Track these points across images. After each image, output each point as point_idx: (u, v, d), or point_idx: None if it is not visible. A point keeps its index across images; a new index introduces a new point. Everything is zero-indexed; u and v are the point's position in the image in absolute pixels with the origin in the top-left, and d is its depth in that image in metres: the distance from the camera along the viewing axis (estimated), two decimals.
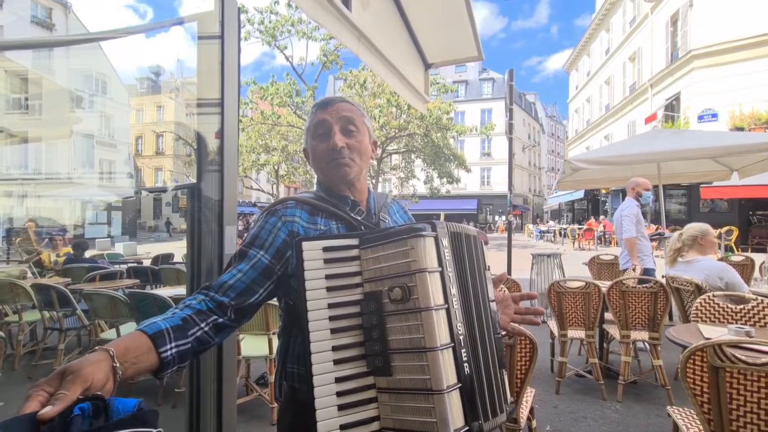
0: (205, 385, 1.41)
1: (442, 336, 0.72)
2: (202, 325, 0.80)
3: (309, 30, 14.13)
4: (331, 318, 0.77)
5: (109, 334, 3.48)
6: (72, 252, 5.88)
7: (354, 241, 0.82)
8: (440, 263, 0.76)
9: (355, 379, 0.75)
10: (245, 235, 0.97)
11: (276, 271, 0.91)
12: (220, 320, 0.83)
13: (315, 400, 0.72)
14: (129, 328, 3.32)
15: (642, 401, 3.02)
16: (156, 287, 5.19)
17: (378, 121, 15.36)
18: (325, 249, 0.80)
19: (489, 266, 0.95)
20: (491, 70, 39.82)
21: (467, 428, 0.71)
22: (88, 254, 6.08)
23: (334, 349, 0.76)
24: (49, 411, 0.51)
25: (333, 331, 0.76)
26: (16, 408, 0.52)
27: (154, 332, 0.72)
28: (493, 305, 0.92)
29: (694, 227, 3.06)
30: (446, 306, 0.75)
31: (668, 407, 1.94)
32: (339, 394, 0.73)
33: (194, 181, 1.43)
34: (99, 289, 3.66)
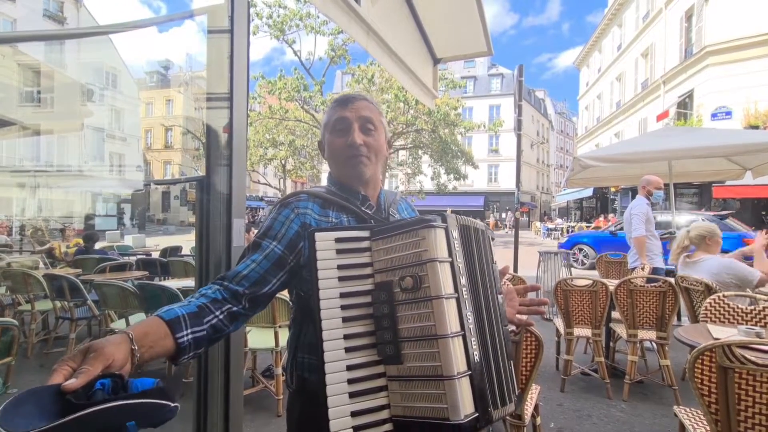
0: (213, 376, 1.44)
1: (453, 324, 0.74)
2: (217, 313, 0.82)
3: (317, 24, 14.08)
4: (343, 307, 0.79)
5: (119, 324, 3.53)
6: (83, 243, 5.97)
7: (365, 233, 0.84)
8: (450, 254, 0.77)
9: (366, 367, 0.77)
10: (252, 227, 0.97)
11: (289, 262, 0.93)
12: (235, 309, 0.85)
13: (327, 387, 0.73)
14: (138, 318, 3.37)
15: (648, 401, 3.01)
16: (164, 279, 5.26)
17: (386, 117, 15.27)
18: (338, 240, 0.81)
19: (495, 261, 0.97)
20: (500, 66, 39.38)
21: (477, 414, 0.72)
22: (98, 246, 6.17)
23: (346, 337, 0.77)
24: (72, 383, 0.55)
25: (345, 320, 0.78)
26: None
27: (170, 318, 0.75)
28: (500, 297, 0.94)
29: (701, 227, 3.03)
30: (456, 295, 0.76)
31: (675, 407, 1.93)
32: (350, 381, 0.75)
33: (203, 174, 1.44)
34: (109, 280, 3.72)
